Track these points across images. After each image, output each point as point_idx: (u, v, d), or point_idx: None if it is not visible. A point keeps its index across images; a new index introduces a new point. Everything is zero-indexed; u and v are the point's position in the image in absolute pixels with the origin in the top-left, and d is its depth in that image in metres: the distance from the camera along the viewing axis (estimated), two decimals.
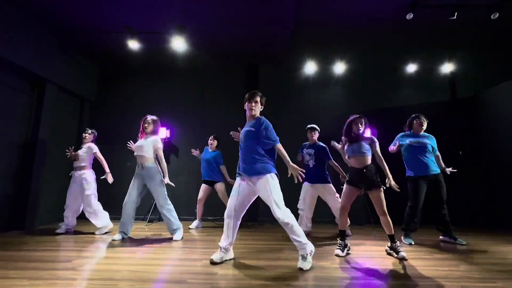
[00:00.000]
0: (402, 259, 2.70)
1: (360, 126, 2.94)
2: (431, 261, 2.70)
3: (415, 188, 3.49)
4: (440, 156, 3.66)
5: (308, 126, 4.16)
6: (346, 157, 3.08)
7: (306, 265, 2.41)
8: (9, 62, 3.70)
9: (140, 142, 3.58)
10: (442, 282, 2.13)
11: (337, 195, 3.87)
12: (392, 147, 3.67)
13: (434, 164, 3.54)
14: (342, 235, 2.96)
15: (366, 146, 2.89)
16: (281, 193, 2.52)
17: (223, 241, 2.64)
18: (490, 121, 4.84)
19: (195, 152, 4.58)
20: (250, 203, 2.67)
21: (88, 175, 3.85)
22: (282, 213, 2.42)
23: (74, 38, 4.51)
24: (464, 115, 5.18)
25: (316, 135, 4.09)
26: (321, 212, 4.20)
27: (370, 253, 2.97)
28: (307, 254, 2.45)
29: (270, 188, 2.47)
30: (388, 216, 2.81)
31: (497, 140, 4.68)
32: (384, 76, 5.49)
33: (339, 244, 2.92)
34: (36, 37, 4.08)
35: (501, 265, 2.59)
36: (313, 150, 4.00)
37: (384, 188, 2.84)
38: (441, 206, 3.48)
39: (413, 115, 3.67)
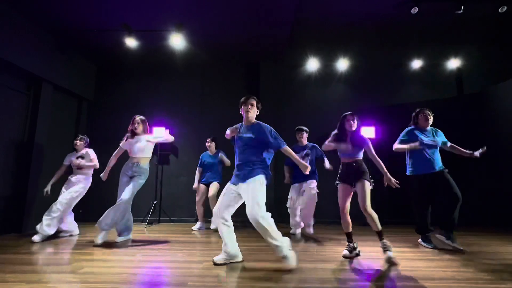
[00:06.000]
0: (388, 260, 2.59)
1: (352, 123, 2.84)
2: (438, 262, 2.64)
3: (416, 187, 3.33)
4: (455, 146, 3.40)
5: (297, 127, 4.07)
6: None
7: (293, 261, 2.42)
8: (4, 61, 3.66)
9: (140, 144, 3.53)
10: (450, 284, 2.07)
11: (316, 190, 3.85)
12: (400, 146, 3.36)
13: (439, 159, 3.32)
14: (349, 237, 2.85)
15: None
16: (265, 197, 2.48)
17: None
18: (498, 118, 4.72)
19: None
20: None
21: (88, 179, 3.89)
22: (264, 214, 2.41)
23: (70, 36, 4.45)
24: (471, 111, 5.04)
25: (305, 136, 4.04)
26: (323, 212, 4.13)
27: (376, 254, 2.88)
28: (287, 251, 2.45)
29: (257, 189, 2.43)
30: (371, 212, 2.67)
31: (506, 137, 4.57)
32: (388, 72, 5.40)
33: (347, 245, 2.84)
34: (31, 35, 4.03)
35: (510, 266, 2.53)
36: (310, 151, 3.97)
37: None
38: (454, 206, 3.07)
39: (418, 109, 3.44)
